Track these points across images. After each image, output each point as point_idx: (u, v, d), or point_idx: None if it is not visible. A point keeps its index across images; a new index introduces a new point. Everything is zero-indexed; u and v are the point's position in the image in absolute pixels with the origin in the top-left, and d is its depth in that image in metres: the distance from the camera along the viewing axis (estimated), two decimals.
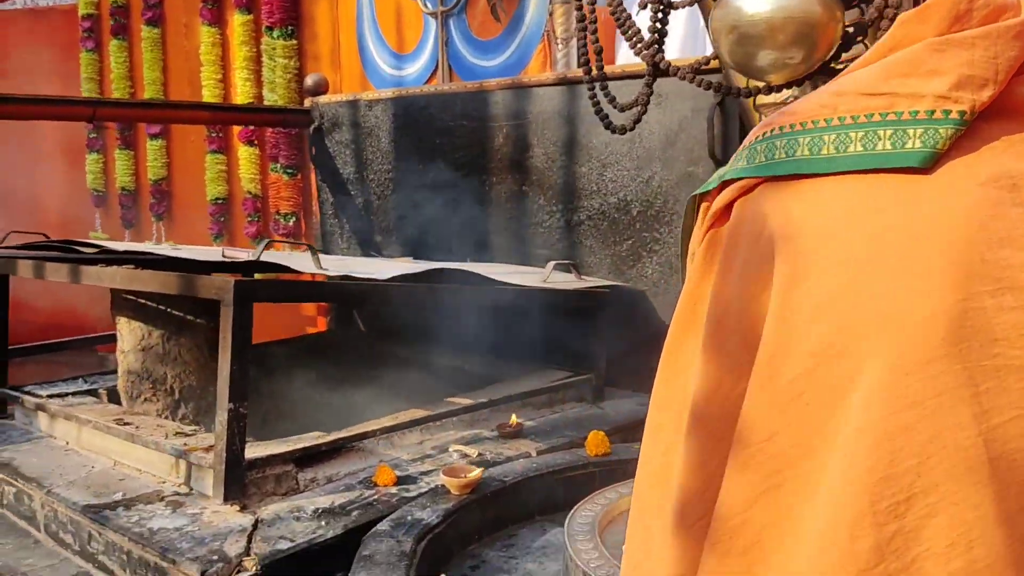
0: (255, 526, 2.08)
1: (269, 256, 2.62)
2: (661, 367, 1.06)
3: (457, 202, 3.79)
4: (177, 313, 2.95)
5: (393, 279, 2.47)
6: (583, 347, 3.18)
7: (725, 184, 1.00)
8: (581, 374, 3.19)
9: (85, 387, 3.18)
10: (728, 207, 0.99)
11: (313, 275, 2.62)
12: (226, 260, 2.74)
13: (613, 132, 1.75)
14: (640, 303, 3.29)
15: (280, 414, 3.21)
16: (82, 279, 2.63)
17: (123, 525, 2.10)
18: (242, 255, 2.90)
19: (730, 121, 3.02)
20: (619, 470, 2.55)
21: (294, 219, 5.02)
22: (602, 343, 3.14)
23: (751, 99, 1.53)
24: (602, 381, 3.19)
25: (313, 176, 4.44)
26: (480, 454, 2.58)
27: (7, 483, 2.54)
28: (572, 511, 1.97)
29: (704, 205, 1.04)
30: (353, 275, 2.41)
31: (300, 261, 2.65)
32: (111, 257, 2.90)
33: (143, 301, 2.91)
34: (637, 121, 1.71)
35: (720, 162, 3.03)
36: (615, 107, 1.77)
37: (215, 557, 1.92)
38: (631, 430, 2.90)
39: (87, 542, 2.18)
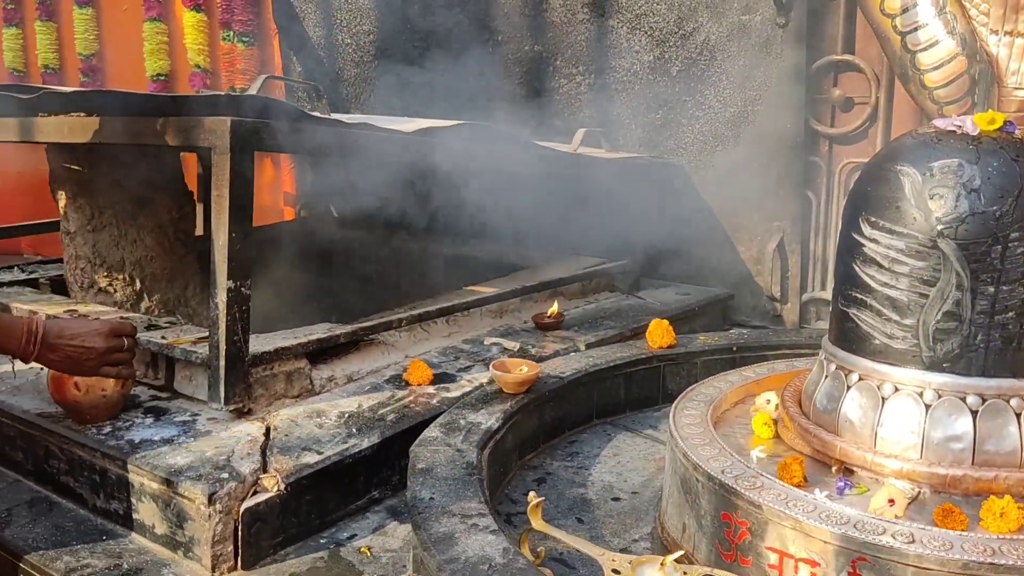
0: (267, 435, 1.63)
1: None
2: None
3: (454, 66, 3.27)
4: (132, 188, 2.42)
5: (419, 131, 1.98)
6: (613, 230, 2.75)
7: None
8: (614, 260, 2.77)
9: (22, 276, 2.65)
10: None
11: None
12: (206, 95, 2.08)
13: None
14: (677, 179, 2.86)
15: (275, 307, 2.71)
16: (17, 134, 2.08)
17: (92, 437, 1.63)
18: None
19: None
20: (686, 364, 2.17)
21: None
22: (637, 225, 2.71)
23: None
24: (639, 268, 2.78)
25: (276, 44, 3.85)
26: (521, 347, 2.16)
27: None
28: (672, 411, 1.57)
29: None
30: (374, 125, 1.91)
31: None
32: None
33: (89, 173, 2.37)
34: None
35: (787, 8, 2.58)
36: None
37: (224, 475, 1.47)
38: (681, 322, 2.51)
39: (44, 460, 1.71)
